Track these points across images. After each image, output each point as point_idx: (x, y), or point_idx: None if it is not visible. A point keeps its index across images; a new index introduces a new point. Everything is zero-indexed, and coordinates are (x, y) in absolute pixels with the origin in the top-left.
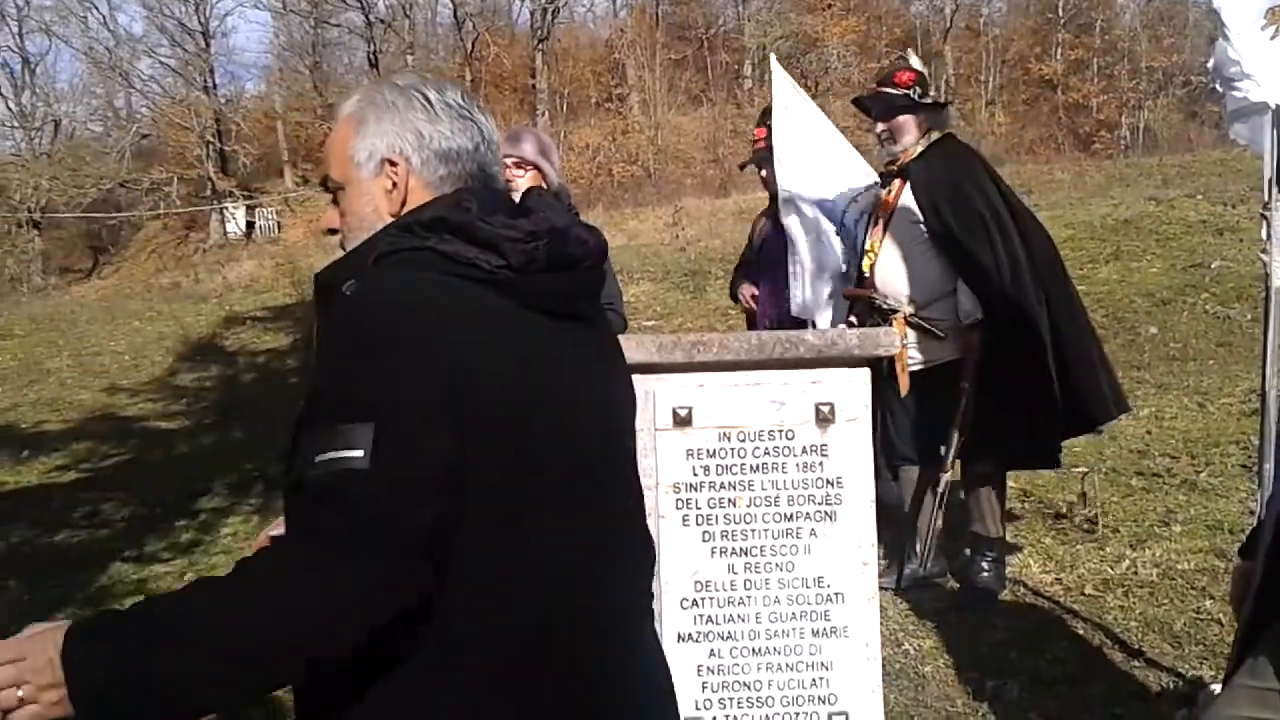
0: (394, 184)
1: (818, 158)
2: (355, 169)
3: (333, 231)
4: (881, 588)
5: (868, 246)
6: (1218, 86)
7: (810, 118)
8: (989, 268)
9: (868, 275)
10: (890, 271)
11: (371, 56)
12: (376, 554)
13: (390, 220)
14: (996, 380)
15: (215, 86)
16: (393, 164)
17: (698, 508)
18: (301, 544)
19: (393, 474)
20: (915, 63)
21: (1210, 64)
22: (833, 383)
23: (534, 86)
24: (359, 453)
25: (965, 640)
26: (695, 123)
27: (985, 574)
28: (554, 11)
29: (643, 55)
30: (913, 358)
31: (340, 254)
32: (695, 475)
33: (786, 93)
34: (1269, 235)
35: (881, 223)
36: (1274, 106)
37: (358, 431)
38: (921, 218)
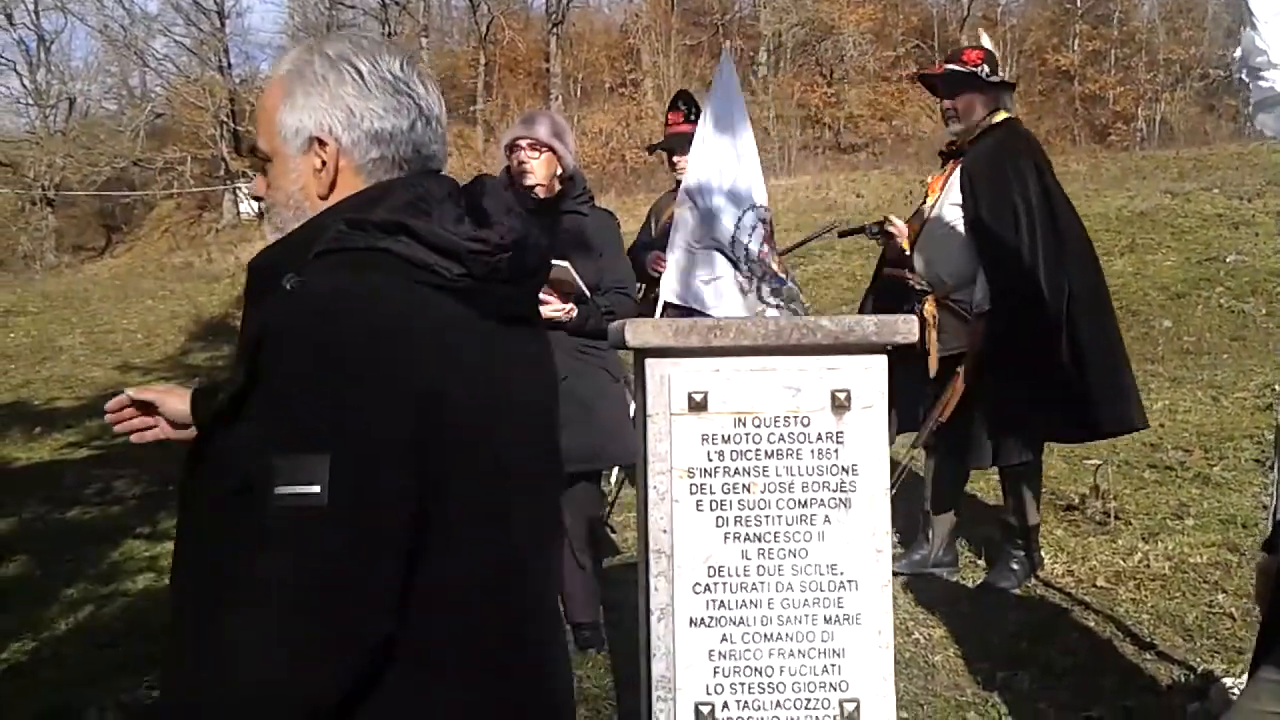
0: (322, 164)
1: (731, 162)
2: (282, 144)
3: (258, 199)
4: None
5: (909, 225)
6: (1244, 76)
7: (738, 123)
8: (1006, 258)
9: (907, 254)
10: (927, 252)
11: (386, 38)
12: (341, 610)
13: (319, 201)
14: (1003, 369)
15: (230, 66)
16: (321, 143)
17: (711, 493)
18: (263, 606)
19: (353, 512)
20: (986, 42)
21: (1236, 54)
22: (849, 369)
23: (548, 70)
24: (316, 488)
25: (976, 630)
26: None
27: (1014, 565)
28: None
29: (657, 41)
30: (946, 342)
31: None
32: (710, 460)
33: (728, 91)
34: None
35: (930, 205)
36: None
37: (315, 463)
38: (960, 200)
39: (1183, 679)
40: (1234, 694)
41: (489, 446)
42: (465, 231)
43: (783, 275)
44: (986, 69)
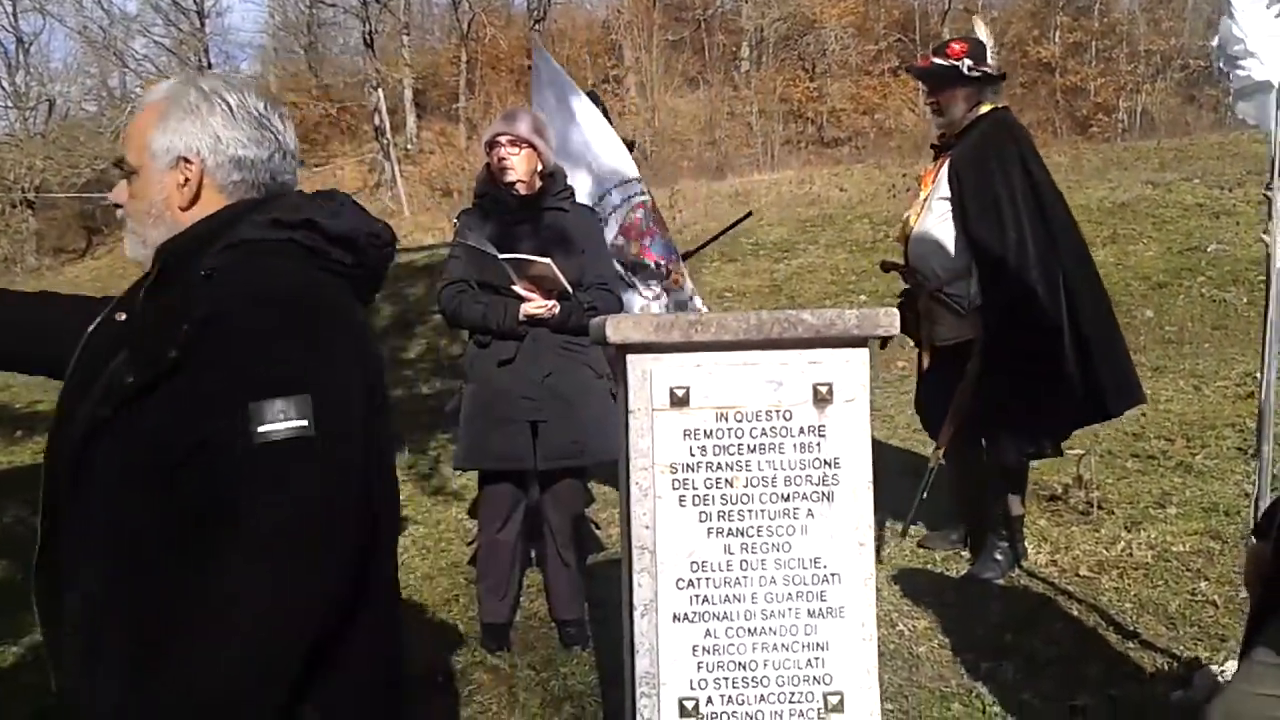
0: (186, 180)
1: (582, 149)
2: (150, 159)
3: (118, 206)
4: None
5: (905, 218)
6: (1221, 65)
7: (575, 107)
8: (994, 250)
9: (903, 246)
10: (921, 245)
11: (367, 36)
12: (340, 534)
13: (180, 212)
14: (1004, 364)
15: (210, 66)
16: (188, 162)
17: (694, 488)
18: (267, 547)
19: (337, 443)
20: (980, 31)
21: (1214, 43)
22: (831, 363)
23: (530, 67)
24: (304, 423)
25: (960, 621)
26: (692, 105)
27: (998, 556)
28: None
29: (640, 37)
30: (940, 334)
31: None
32: (692, 455)
33: (555, 80)
34: (1271, 215)
35: (922, 198)
36: (1278, 85)
37: (298, 402)
38: (949, 193)
39: (1166, 667)
40: (1224, 678)
41: (383, 418)
42: (361, 226)
43: (653, 261)
44: (969, 62)
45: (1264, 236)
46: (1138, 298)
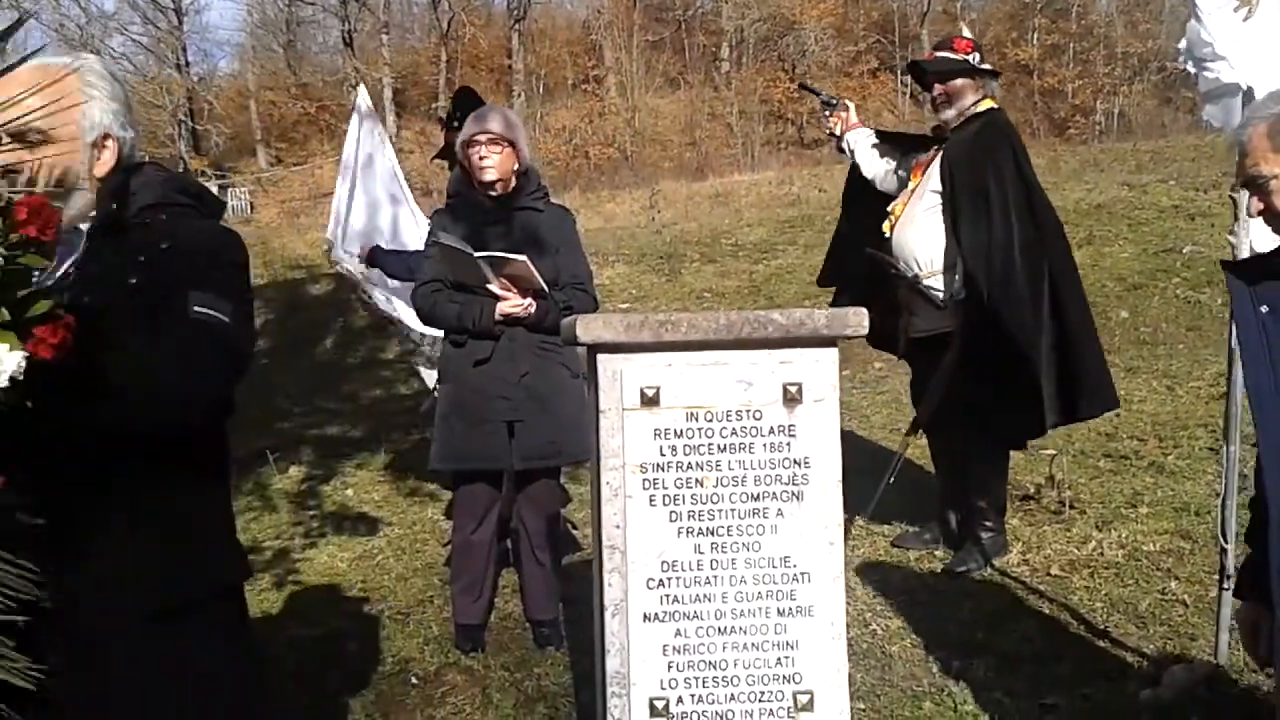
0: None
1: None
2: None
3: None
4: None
5: (890, 209)
6: (1190, 68)
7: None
8: (981, 246)
9: (887, 237)
10: (905, 235)
11: (346, 35)
12: (226, 367)
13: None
14: (983, 358)
15: (188, 64)
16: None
17: (664, 488)
18: (184, 355)
19: (239, 330)
20: (967, 33)
21: (1182, 44)
22: (801, 363)
23: (510, 67)
24: (225, 316)
25: (933, 620)
26: (672, 105)
27: (978, 549)
28: None
29: (620, 37)
30: (915, 325)
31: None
32: (662, 455)
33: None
34: (1237, 217)
35: (910, 189)
36: (1245, 88)
37: (224, 304)
38: (940, 187)
39: (1136, 666)
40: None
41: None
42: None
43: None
44: (977, 56)
45: (1229, 238)
46: (1113, 298)
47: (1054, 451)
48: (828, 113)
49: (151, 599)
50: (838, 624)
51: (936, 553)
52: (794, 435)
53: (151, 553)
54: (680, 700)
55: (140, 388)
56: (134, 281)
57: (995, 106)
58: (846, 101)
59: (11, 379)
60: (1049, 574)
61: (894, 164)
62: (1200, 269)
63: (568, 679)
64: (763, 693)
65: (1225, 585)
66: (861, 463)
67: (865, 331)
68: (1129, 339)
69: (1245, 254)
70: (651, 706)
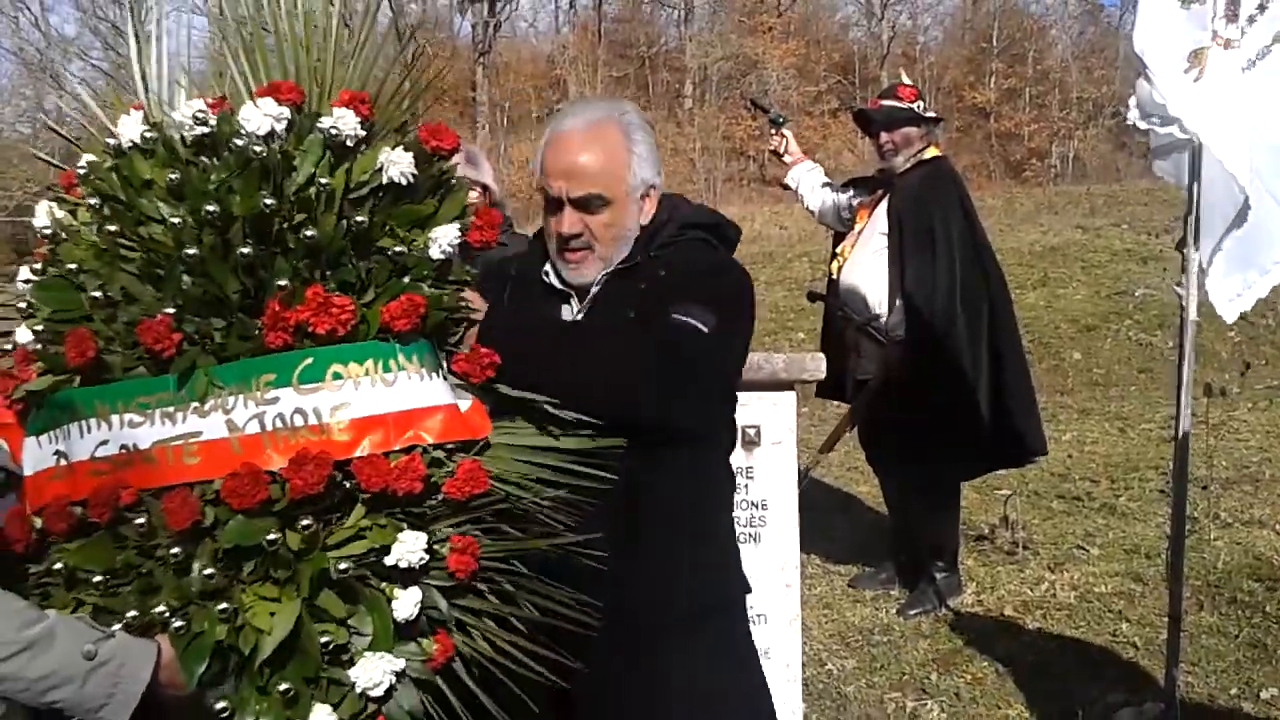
0: (647, 201)
1: None
2: (626, 191)
3: (576, 236)
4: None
5: (838, 251)
6: (1141, 124)
7: None
8: (923, 288)
9: (835, 279)
10: (851, 278)
11: None
12: (690, 373)
13: (639, 230)
14: (921, 399)
15: (149, 91)
16: (654, 188)
17: None
18: (645, 349)
19: (717, 346)
20: (907, 80)
21: (1133, 101)
22: (758, 406)
23: (474, 99)
24: (703, 326)
25: (888, 660)
26: None
27: (933, 590)
28: (495, 25)
29: (584, 72)
30: (863, 367)
31: None
32: None
33: None
34: (1185, 269)
35: (856, 231)
36: (1196, 145)
37: (704, 316)
38: (887, 230)
39: (1088, 707)
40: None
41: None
42: (731, 225)
43: None
44: (921, 104)
45: (1177, 289)
46: (1066, 340)
47: (1008, 492)
48: (773, 130)
49: (655, 611)
50: (793, 666)
51: (892, 592)
52: (752, 478)
53: (653, 565)
54: None
55: (593, 369)
56: (632, 315)
57: (940, 155)
58: (788, 136)
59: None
60: (1002, 614)
61: (838, 199)
62: (1152, 312)
63: None
64: None
65: (1175, 628)
66: (821, 503)
67: (823, 375)
68: (1081, 380)
69: (1194, 306)
70: None
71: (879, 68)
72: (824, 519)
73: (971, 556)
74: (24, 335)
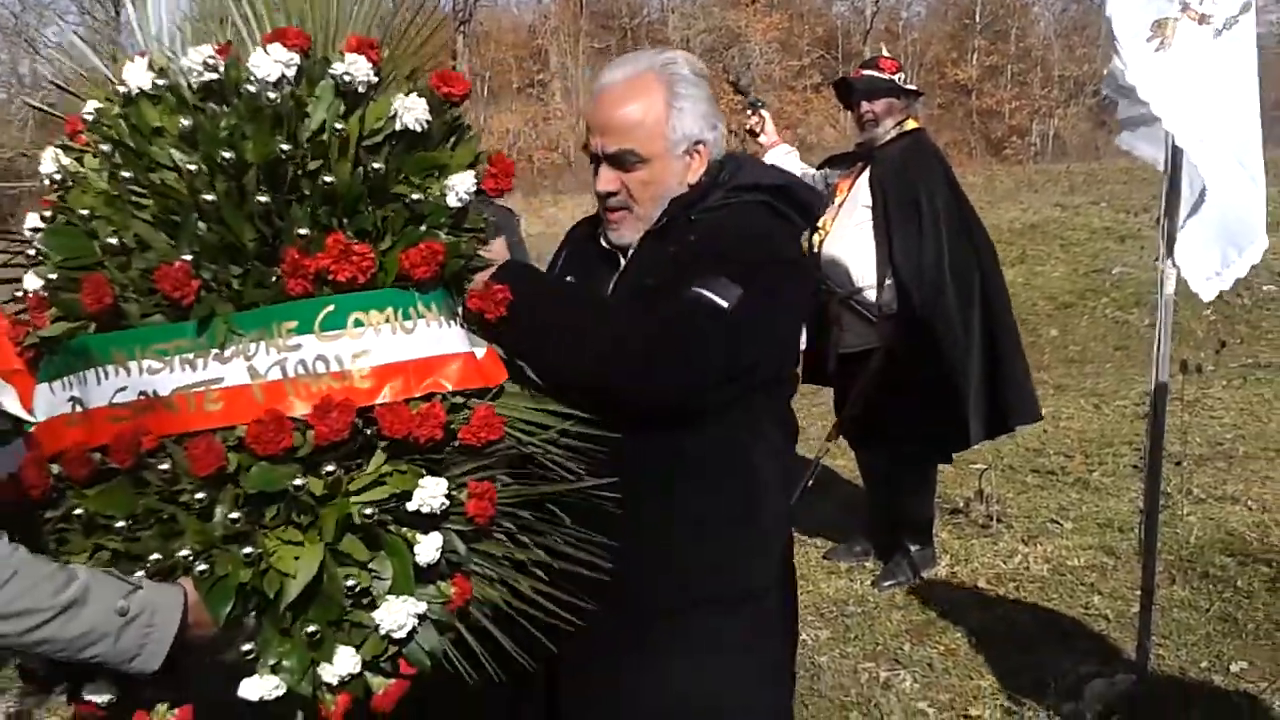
0: (695, 160)
1: None
2: (667, 148)
3: (612, 194)
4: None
5: (820, 225)
6: (1113, 94)
7: None
8: (912, 260)
9: (815, 252)
10: (833, 250)
11: None
12: (706, 351)
13: (682, 188)
14: (911, 372)
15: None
16: (699, 144)
17: None
18: (653, 326)
19: (743, 323)
20: (886, 53)
21: (1106, 72)
22: None
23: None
24: (724, 301)
25: (861, 631)
26: None
27: (907, 562)
28: None
29: (566, 42)
30: (845, 340)
31: None
32: None
33: None
34: (1169, 249)
35: (837, 204)
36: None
37: (728, 290)
38: (870, 203)
39: (1059, 679)
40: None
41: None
42: (817, 196)
43: None
44: (902, 76)
45: (1157, 264)
46: (1043, 317)
47: (983, 466)
48: (750, 111)
49: (664, 595)
50: None
51: (867, 564)
52: None
53: (664, 549)
54: None
55: (594, 345)
56: (650, 281)
57: (919, 126)
58: (765, 115)
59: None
60: (976, 587)
61: (815, 175)
62: (1129, 290)
63: None
64: None
65: (1147, 601)
66: (796, 476)
67: (803, 347)
68: (1058, 357)
69: (1172, 284)
70: None
71: (862, 43)
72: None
73: (946, 529)
74: (33, 282)
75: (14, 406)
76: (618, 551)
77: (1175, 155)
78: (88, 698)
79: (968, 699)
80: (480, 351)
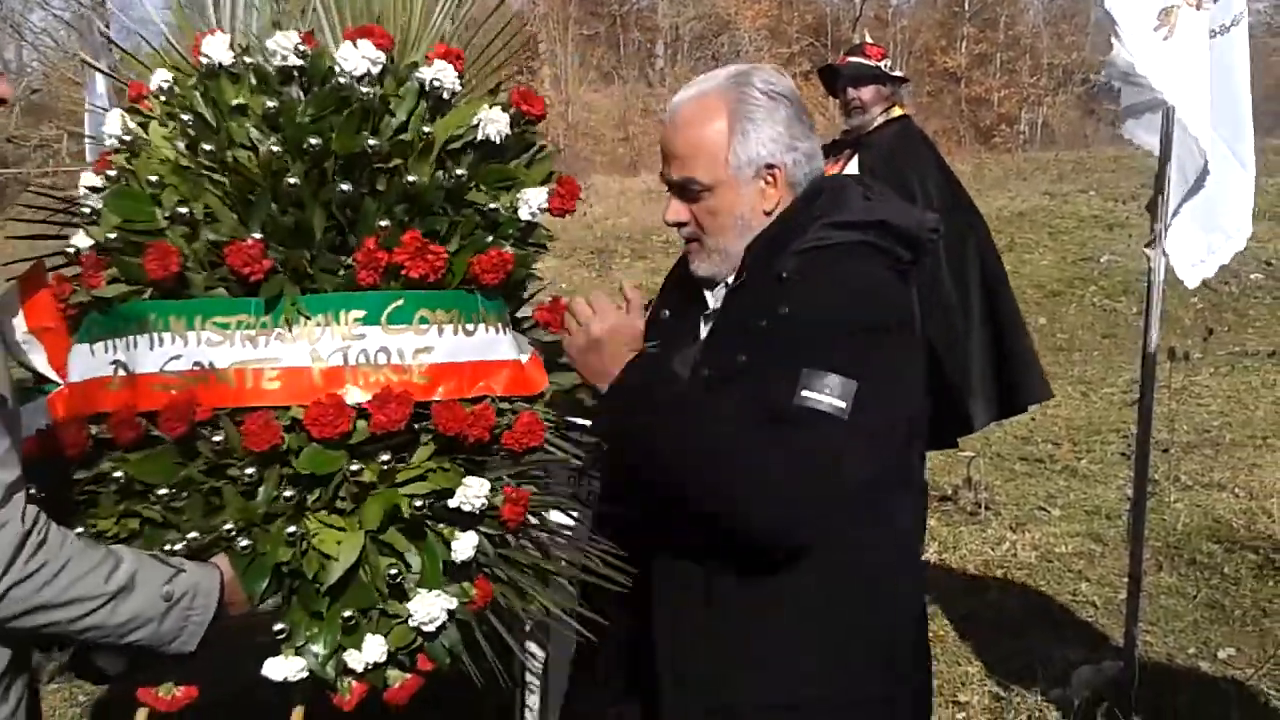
0: (769, 186)
1: None
2: (731, 174)
3: (682, 225)
4: None
5: None
6: (1115, 83)
7: None
8: None
9: None
10: None
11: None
12: (819, 481)
13: (764, 217)
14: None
15: (111, 42)
16: (772, 169)
17: None
18: (764, 463)
19: (859, 432)
20: (870, 39)
21: (1105, 59)
22: None
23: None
24: (842, 404)
25: None
26: (606, 100)
27: None
28: None
29: (555, 29)
30: None
31: None
32: None
33: None
34: (1155, 235)
35: None
36: (1168, 107)
37: (843, 387)
38: None
39: (1047, 666)
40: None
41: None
42: (921, 221)
43: None
44: (888, 63)
45: (1146, 251)
46: (1032, 305)
47: (972, 454)
48: None
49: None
50: None
51: None
52: None
53: (716, 651)
54: None
55: (729, 472)
56: (743, 359)
57: (906, 113)
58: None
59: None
60: (965, 573)
61: None
62: (1117, 278)
63: None
64: None
65: (1135, 588)
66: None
67: None
68: (1046, 345)
69: (1161, 271)
70: None
71: (851, 30)
72: None
73: (935, 516)
74: (83, 241)
75: (42, 365)
76: (699, 636)
77: (1167, 143)
78: (100, 665)
79: (956, 685)
80: (524, 358)
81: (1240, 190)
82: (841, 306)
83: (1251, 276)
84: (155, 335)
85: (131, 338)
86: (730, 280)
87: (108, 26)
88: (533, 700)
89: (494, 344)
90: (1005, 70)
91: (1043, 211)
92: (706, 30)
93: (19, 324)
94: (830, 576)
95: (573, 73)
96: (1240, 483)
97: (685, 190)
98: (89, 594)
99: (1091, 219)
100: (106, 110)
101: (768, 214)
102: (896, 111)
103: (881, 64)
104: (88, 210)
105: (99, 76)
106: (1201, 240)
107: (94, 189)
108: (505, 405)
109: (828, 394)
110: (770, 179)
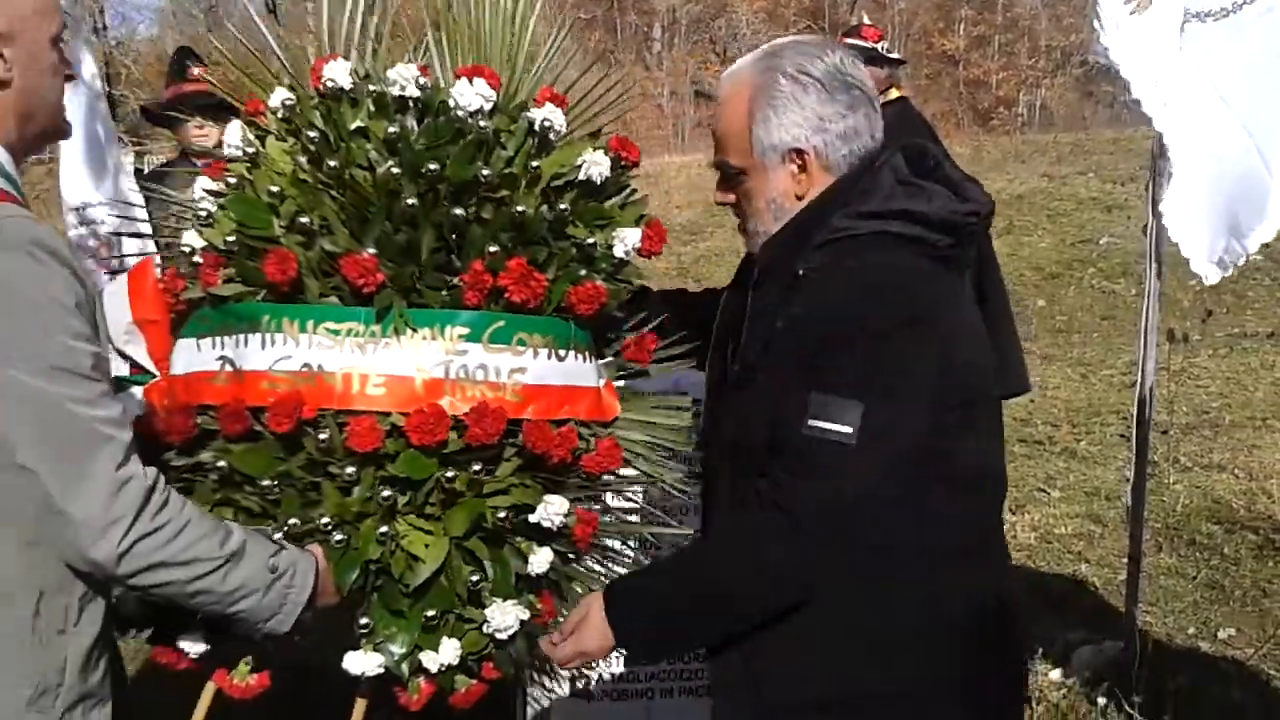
0: (800, 170)
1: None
2: (758, 158)
3: (728, 204)
4: None
5: None
6: (1102, 59)
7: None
8: None
9: None
10: None
11: (270, 2)
12: (817, 529)
13: (797, 201)
14: None
15: (105, 28)
16: (799, 153)
17: None
18: (774, 513)
19: (870, 453)
20: (868, 21)
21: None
22: None
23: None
24: (847, 429)
25: None
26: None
27: None
28: None
29: (550, 11)
30: None
31: None
32: None
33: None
34: (1156, 214)
35: None
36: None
37: (847, 411)
38: None
39: (1047, 647)
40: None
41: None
42: (957, 207)
43: None
44: (886, 45)
45: (1144, 234)
46: (1030, 287)
47: None
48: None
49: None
50: None
51: None
52: None
53: (747, 652)
54: None
55: (736, 610)
56: (759, 360)
57: (904, 95)
58: None
59: None
60: None
61: None
62: (1115, 260)
63: None
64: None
65: (1134, 569)
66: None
67: None
68: (1045, 327)
69: (1152, 252)
70: None
71: (849, 13)
72: None
73: None
74: (194, 240)
75: (142, 357)
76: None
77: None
78: (181, 645)
79: None
80: (602, 384)
81: (1261, 181)
82: (850, 305)
83: (1250, 258)
84: (267, 335)
85: (242, 336)
86: (755, 276)
87: (101, 12)
88: (533, 700)
89: (581, 371)
90: (1003, 52)
91: (1041, 194)
92: (704, 13)
93: (125, 314)
94: (861, 575)
95: (569, 56)
96: (1239, 464)
97: (722, 173)
98: (206, 555)
99: (1090, 201)
100: (92, 92)
101: (800, 198)
102: (894, 94)
103: (879, 46)
104: (203, 213)
105: (87, 57)
106: (1221, 236)
107: (211, 193)
108: (585, 430)
109: (835, 422)
110: (800, 163)
